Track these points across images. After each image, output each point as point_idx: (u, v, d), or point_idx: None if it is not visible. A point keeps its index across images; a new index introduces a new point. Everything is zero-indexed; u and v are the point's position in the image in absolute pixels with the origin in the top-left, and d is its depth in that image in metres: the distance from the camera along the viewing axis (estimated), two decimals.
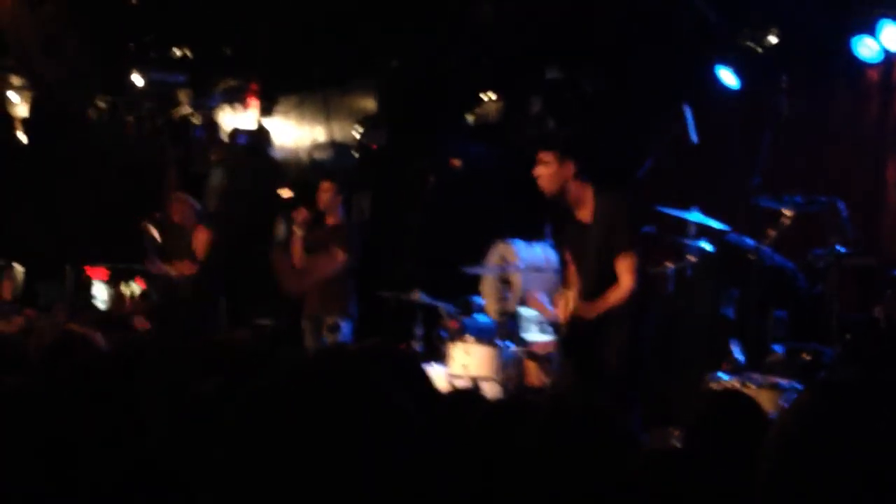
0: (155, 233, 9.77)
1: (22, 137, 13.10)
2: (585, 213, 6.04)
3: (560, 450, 2.16)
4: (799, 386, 5.96)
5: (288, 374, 1.65)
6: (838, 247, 6.71)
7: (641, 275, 5.89)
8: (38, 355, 3.99)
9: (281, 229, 9.08)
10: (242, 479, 1.59)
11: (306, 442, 1.57)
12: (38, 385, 2.76)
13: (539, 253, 8.95)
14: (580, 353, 6.12)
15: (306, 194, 9.00)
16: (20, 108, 13.59)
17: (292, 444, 1.57)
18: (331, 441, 1.57)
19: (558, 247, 6.49)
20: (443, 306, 8.40)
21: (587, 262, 5.98)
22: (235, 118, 12.87)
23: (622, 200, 6.04)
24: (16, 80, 12.94)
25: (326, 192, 8.74)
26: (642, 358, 6.09)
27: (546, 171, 5.98)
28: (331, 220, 8.78)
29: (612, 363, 5.94)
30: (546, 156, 6.00)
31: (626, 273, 5.84)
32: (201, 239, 9.54)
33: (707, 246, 7.70)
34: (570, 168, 5.97)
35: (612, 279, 5.88)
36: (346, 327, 8.50)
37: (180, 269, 9.49)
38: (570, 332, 6.09)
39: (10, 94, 13.11)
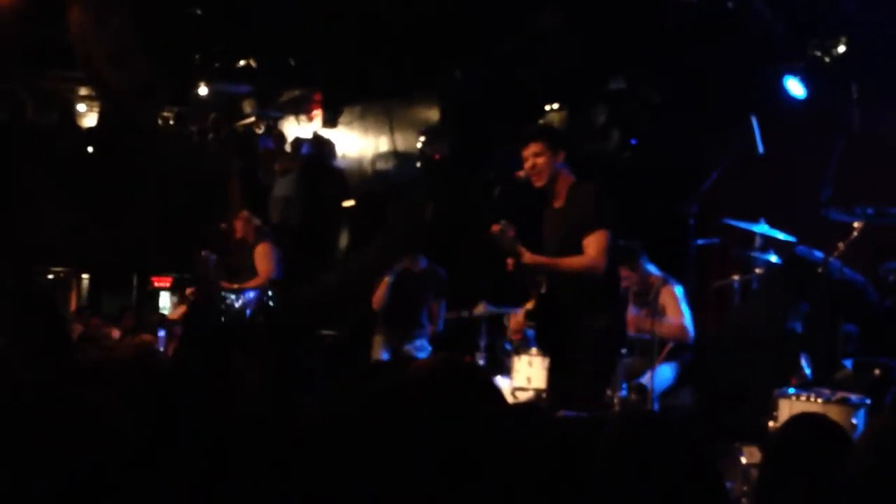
0: (209, 261, 9.84)
1: (89, 148, 13.27)
2: (560, 201, 6.14)
3: (631, 468, 2.13)
4: (868, 401, 5.87)
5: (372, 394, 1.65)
6: None
7: (611, 259, 5.97)
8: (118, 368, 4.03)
9: (345, 238, 9.12)
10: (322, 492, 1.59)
11: (387, 458, 1.57)
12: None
13: None
14: (554, 350, 6.29)
15: (369, 203, 8.99)
16: (88, 118, 13.78)
17: (373, 459, 1.57)
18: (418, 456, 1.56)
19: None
20: (510, 311, 8.32)
21: (553, 243, 6.07)
22: (299, 128, 12.95)
23: (594, 186, 6.13)
24: (84, 91, 13.13)
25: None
26: (613, 354, 6.25)
27: (542, 161, 6.05)
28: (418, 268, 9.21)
29: (583, 360, 6.02)
30: (537, 147, 6.07)
31: (591, 247, 5.92)
32: (262, 254, 9.61)
33: (774, 258, 7.61)
34: (561, 156, 6.09)
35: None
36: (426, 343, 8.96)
37: (243, 285, 9.55)
38: (542, 328, 6.24)
39: (79, 106, 13.31)
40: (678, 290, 7.77)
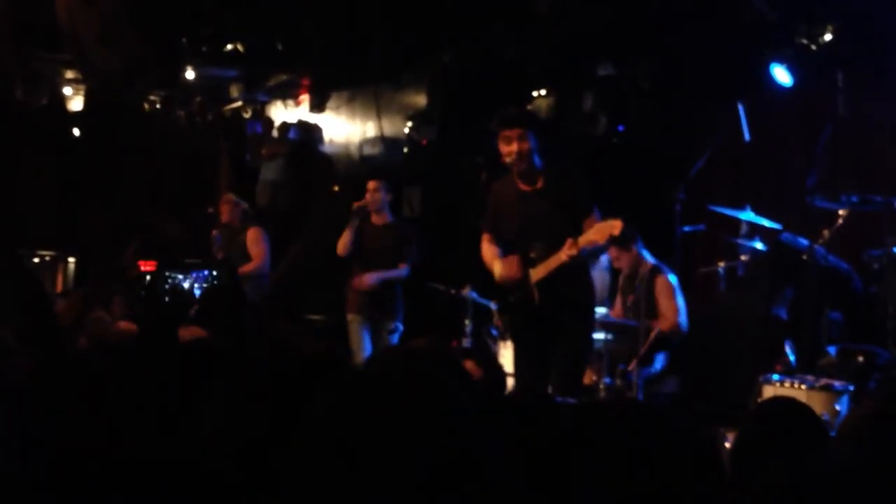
0: (215, 241, 9.83)
1: (76, 131, 13.23)
2: (539, 184, 6.14)
3: (633, 455, 2.12)
4: (852, 388, 5.90)
5: (361, 380, 1.66)
6: (894, 248, 6.63)
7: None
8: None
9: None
10: (315, 481, 1.59)
11: (380, 443, 1.58)
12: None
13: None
14: (533, 340, 6.26)
15: (356, 189, 8.98)
16: (75, 101, 13.74)
17: (366, 446, 1.58)
18: (405, 442, 1.57)
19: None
20: (493, 305, 8.35)
21: (541, 228, 6.06)
22: (287, 113, 12.93)
23: (576, 169, 6.22)
24: (70, 74, 13.08)
25: (375, 192, 8.69)
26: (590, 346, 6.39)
27: (522, 146, 6.05)
28: (379, 220, 8.73)
29: (565, 351, 6.06)
30: (516, 132, 6.07)
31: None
32: (254, 238, 9.58)
33: (760, 245, 7.64)
34: (537, 140, 6.11)
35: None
36: (399, 329, 8.62)
37: (242, 270, 9.52)
38: (521, 318, 6.25)
39: (66, 88, 13.26)
40: (672, 280, 7.74)
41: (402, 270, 8.58)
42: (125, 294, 9.93)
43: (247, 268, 9.36)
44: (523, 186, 6.17)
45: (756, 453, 2.76)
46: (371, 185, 8.76)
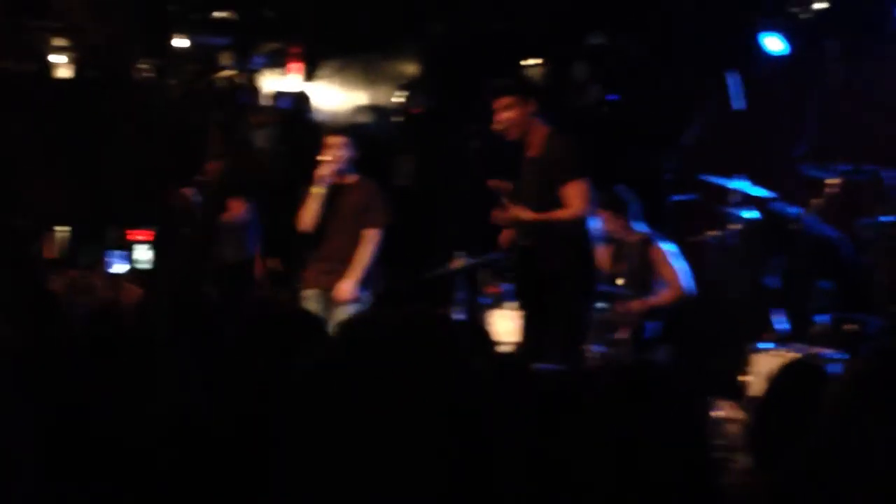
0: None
1: (65, 99, 13.16)
2: (535, 150, 6.18)
3: (619, 419, 2.14)
4: (841, 356, 5.93)
5: (353, 343, 1.66)
6: (884, 217, 6.65)
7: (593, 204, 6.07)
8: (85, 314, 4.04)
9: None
10: (314, 447, 1.60)
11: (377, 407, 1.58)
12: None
13: None
14: (529, 304, 6.38)
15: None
16: (63, 70, 13.65)
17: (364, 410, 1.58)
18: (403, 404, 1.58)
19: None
20: (491, 258, 8.19)
21: (530, 193, 6.10)
22: (278, 82, 12.88)
23: (568, 136, 6.18)
24: (59, 42, 13.00)
25: (340, 148, 7.63)
26: (585, 312, 6.27)
27: (511, 115, 6.10)
28: (347, 180, 7.67)
29: (557, 316, 6.05)
30: (506, 100, 6.10)
31: (574, 198, 5.97)
32: (236, 205, 9.55)
33: (751, 214, 7.65)
34: (533, 107, 6.12)
35: (554, 208, 6.04)
36: (365, 298, 7.51)
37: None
38: (520, 283, 6.40)
39: (54, 56, 13.18)
40: (666, 247, 7.74)
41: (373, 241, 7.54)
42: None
43: (227, 216, 9.29)
44: (527, 153, 6.23)
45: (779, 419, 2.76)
46: (334, 139, 7.75)
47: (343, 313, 6.93)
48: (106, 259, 11.72)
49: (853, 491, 1.80)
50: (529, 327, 6.38)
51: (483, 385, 1.83)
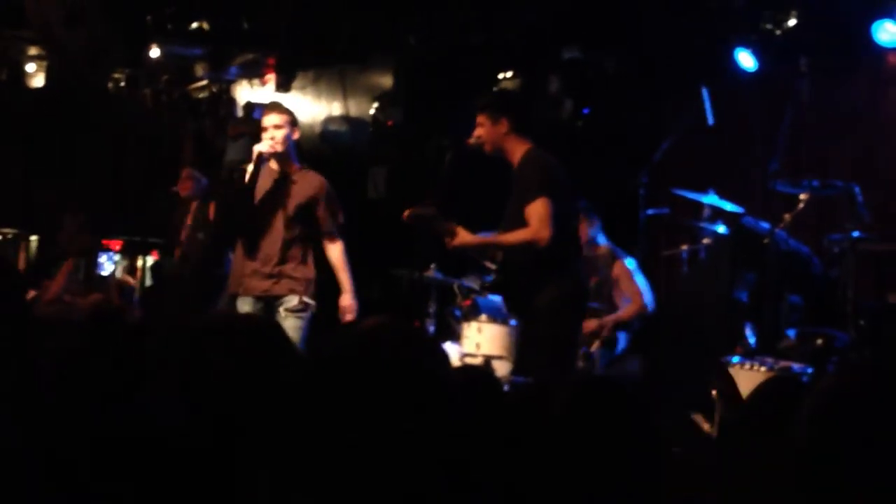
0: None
1: (38, 108, 13.12)
2: (514, 168, 6.13)
3: (575, 430, 2.16)
4: (810, 370, 5.97)
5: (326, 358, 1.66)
6: (854, 232, 6.69)
7: (558, 227, 5.82)
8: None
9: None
10: (287, 458, 1.60)
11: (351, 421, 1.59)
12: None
13: None
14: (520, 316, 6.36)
15: (319, 168, 8.71)
16: (37, 78, 13.61)
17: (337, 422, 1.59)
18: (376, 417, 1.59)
19: None
20: (460, 282, 8.31)
21: (512, 210, 6.04)
22: (252, 92, 12.87)
23: (537, 153, 6.07)
24: (33, 51, 12.96)
25: (279, 128, 6.65)
26: (566, 325, 6.09)
27: (482, 132, 6.08)
28: (289, 168, 6.76)
29: (533, 331, 6.09)
30: (480, 118, 6.10)
31: (533, 218, 5.82)
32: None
33: (722, 229, 7.70)
34: (504, 125, 6.05)
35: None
36: (309, 307, 6.63)
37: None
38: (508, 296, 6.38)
39: (28, 65, 13.13)
40: (629, 264, 7.89)
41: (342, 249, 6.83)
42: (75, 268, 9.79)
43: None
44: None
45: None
46: (272, 117, 6.72)
47: (292, 323, 6.43)
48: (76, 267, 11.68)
49: None
50: (521, 340, 6.41)
51: (449, 397, 1.84)
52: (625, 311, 7.94)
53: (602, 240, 8.07)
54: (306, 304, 6.54)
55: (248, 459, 1.93)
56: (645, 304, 7.95)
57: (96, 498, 2.27)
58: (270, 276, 6.55)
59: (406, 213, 5.94)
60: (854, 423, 1.67)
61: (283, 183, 6.68)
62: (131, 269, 11.87)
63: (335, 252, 6.80)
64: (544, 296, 5.99)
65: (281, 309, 6.52)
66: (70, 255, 9.37)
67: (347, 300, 6.73)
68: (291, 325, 6.41)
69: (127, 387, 2.62)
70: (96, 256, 11.85)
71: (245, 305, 6.62)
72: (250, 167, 6.60)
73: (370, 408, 1.66)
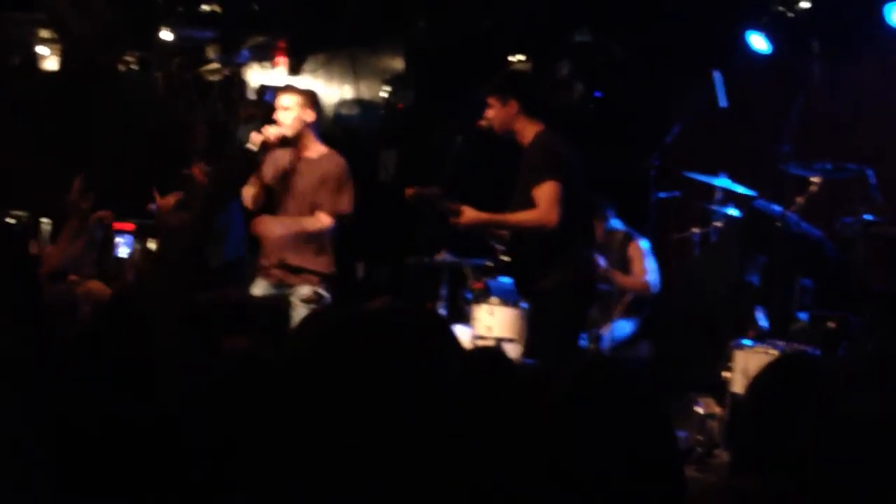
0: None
1: (50, 91, 13.13)
2: (525, 148, 6.15)
3: (580, 411, 2.16)
4: (822, 354, 5.98)
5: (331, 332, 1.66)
6: (866, 215, 6.68)
7: (566, 211, 5.85)
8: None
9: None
10: (290, 441, 1.60)
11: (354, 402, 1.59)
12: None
13: None
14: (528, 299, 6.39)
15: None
16: (49, 61, 13.61)
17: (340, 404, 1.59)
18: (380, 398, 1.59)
19: None
20: (471, 263, 8.27)
21: (521, 190, 6.06)
22: (263, 75, 12.86)
23: (548, 134, 6.08)
24: (45, 34, 12.96)
25: (293, 109, 6.57)
26: (572, 308, 6.13)
27: (492, 114, 6.09)
28: (309, 152, 6.75)
29: (539, 315, 6.11)
30: (490, 100, 6.11)
31: (542, 201, 5.84)
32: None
33: (733, 212, 7.69)
34: (514, 106, 6.06)
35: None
36: (325, 299, 6.50)
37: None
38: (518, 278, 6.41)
39: (39, 48, 13.14)
40: (643, 245, 7.93)
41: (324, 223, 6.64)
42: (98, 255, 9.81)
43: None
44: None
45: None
46: (286, 98, 6.63)
47: (302, 312, 6.13)
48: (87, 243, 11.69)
49: (842, 494, 1.82)
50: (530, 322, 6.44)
51: (458, 378, 1.84)
52: (629, 279, 7.97)
53: (617, 224, 8.09)
54: (320, 296, 6.43)
55: (251, 442, 1.93)
56: (647, 284, 7.99)
57: (106, 486, 2.28)
58: (283, 265, 6.51)
59: (408, 191, 5.96)
60: (870, 412, 1.67)
61: (303, 168, 6.67)
62: (144, 253, 11.87)
63: (316, 219, 6.57)
64: (550, 280, 6.01)
65: (294, 298, 6.46)
66: (70, 215, 9.33)
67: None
68: (302, 311, 6.23)
69: (139, 372, 2.64)
70: (111, 236, 11.88)
71: (258, 289, 6.61)
72: (250, 146, 6.59)
73: (375, 395, 1.66)
